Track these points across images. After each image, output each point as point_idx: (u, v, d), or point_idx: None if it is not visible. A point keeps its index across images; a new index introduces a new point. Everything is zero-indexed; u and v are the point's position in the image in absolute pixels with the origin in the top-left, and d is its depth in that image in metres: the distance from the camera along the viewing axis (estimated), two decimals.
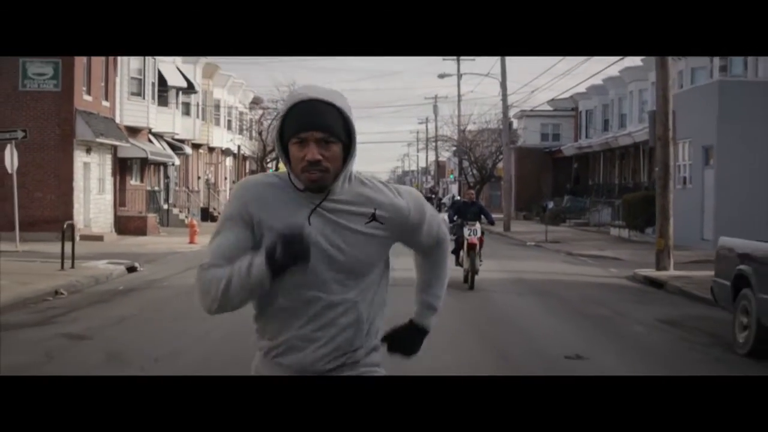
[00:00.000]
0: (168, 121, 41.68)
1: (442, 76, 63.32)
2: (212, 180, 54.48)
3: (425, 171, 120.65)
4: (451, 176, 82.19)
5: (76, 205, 30.95)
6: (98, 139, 31.55)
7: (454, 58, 64.72)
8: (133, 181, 38.26)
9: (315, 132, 2.96)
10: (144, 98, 37.45)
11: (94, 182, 33.14)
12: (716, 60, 37.61)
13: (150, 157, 37.29)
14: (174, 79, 42.06)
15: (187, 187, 48.43)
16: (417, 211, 3.18)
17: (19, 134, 26.17)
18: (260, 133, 55.46)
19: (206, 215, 46.69)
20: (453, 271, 16.40)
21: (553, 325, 13.17)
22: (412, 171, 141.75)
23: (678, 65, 42.64)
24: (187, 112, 46.37)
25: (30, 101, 30.37)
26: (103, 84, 34.11)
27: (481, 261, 17.73)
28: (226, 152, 57.21)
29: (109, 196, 34.79)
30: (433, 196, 70.42)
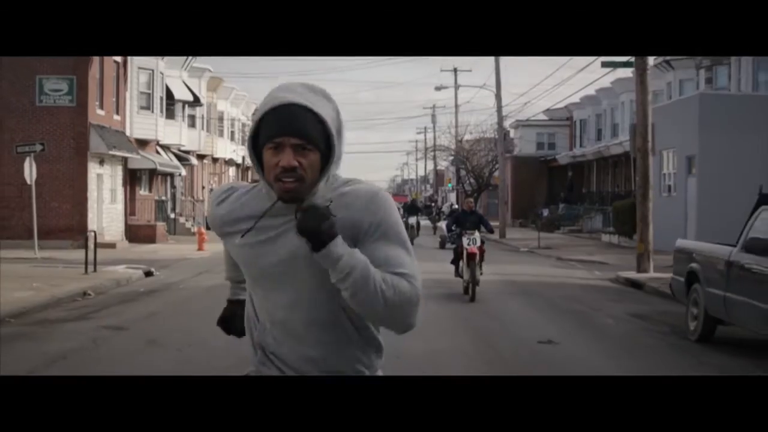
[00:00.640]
0: (175, 133, 43.25)
1: (438, 88, 64.60)
2: None
3: (424, 180, 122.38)
4: (449, 185, 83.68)
5: (90, 215, 32.42)
6: (111, 152, 33.16)
7: (452, 69, 66.37)
8: (142, 191, 39.85)
9: (291, 138, 2.77)
10: (152, 111, 39.07)
11: (106, 192, 34.70)
12: (702, 72, 39.32)
13: (158, 168, 38.93)
14: (180, 93, 43.65)
15: (192, 197, 50.05)
16: (372, 229, 2.85)
17: (38, 147, 27.60)
18: None
19: None
20: (453, 282, 17.75)
21: (533, 317, 14.82)
22: (412, 179, 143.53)
23: (666, 77, 44.33)
24: (192, 124, 48.01)
25: (47, 116, 31.89)
26: (114, 99, 35.67)
27: (481, 272, 17.29)
28: (229, 162, 58.95)
29: (120, 206, 36.35)
30: (433, 204, 71.83)
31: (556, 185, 60.38)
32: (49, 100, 32.09)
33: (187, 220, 45.36)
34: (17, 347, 11.25)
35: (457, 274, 17.62)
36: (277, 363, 2.96)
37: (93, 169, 33.04)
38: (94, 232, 22.47)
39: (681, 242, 13.55)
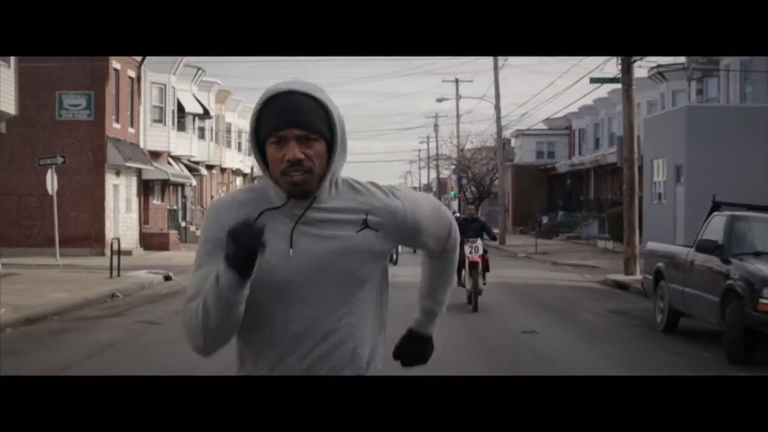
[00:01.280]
0: (186, 144, 44.78)
1: (440, 99, 65.96)
2: None
3: (427, 188, 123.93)
4: (452, 192, 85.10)
5: (107, 223, 34.03)
6: (126, 163, 34.80)
7: (453, 80, 67.86)
8: (155, 201, 41.46)
9: (294, 129, 2.67)
10: (165, 124, 40.72)
11: (122, 202, 36.30)
12: (693, 84, 40.97)
13: (171, 178, 40.61)
14: (191, 106, 45.20)
15: (202, 206, 51.61)
16: (414, 212, 2.87)
17: (59, 159, 29.24)
18: None
19: None
20: (455, 291, 19.00)
21: (521, 312, 16.49)
22: (415, 188, 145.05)
23: (660, 87, 45.97)
24: (202, 135, 49.65)
25: (66, 130, 33.50)
26: (129, 112, 37.29)
27: (485, 282, 17.03)
28: (237, 172, 60.62)
29: (134, 215, 37.95)
30: None
31: (556, 193, 61.40)
32: (68, 115, 33.73)
33: (197, 229, 46.92)
34: (66, 339, 12.90)
35: (460, 283, 16.98)
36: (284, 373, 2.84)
37: (110, 180, 34.65)
38: (118, 239, 24.04)
39: (650, 245, 15.28)
